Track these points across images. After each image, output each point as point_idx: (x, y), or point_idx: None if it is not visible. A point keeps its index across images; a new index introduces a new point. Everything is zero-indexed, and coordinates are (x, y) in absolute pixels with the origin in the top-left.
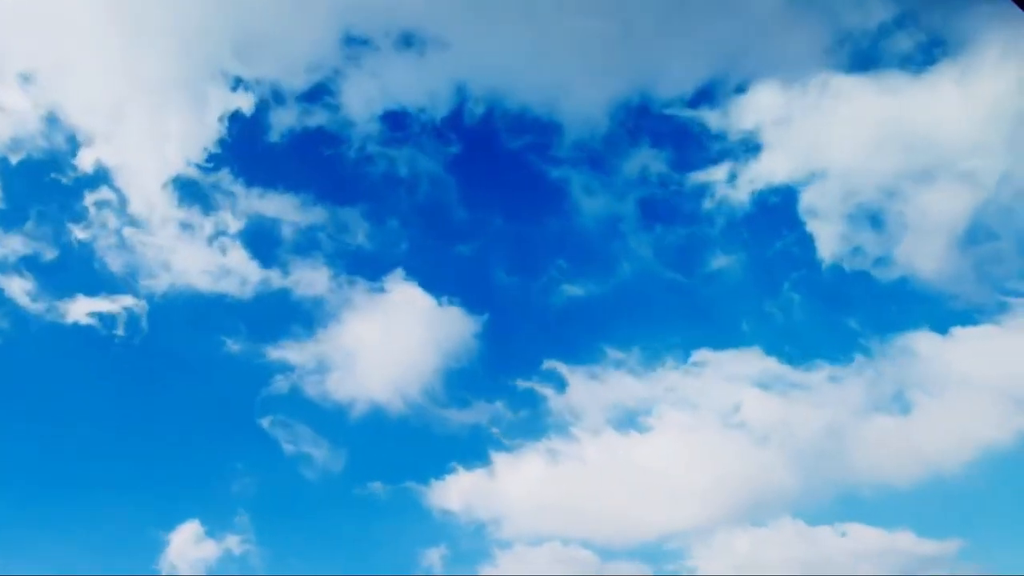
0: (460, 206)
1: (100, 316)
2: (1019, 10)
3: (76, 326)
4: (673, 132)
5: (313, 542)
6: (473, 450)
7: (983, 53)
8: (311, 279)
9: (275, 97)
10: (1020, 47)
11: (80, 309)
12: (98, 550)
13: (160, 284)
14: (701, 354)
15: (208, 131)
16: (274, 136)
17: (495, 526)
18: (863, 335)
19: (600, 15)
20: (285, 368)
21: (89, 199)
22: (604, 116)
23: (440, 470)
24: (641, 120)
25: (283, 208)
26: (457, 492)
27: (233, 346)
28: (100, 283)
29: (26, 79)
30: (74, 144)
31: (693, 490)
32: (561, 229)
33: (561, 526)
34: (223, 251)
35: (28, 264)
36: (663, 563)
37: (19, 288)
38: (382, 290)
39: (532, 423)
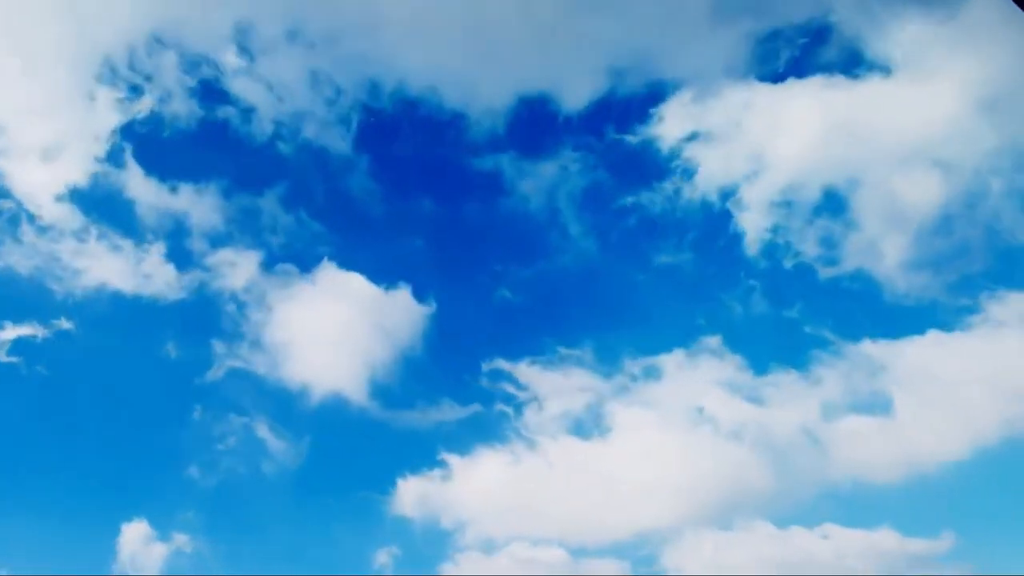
0: (381, 195)
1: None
2: (1019, 10)
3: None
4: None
5: (264, 541)
6: (430, 449)
7: (914, 54)
8: (235, 272)
9: (168, 95)
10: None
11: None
12: (47, 553)
13: (83, 292)
14: (658, 354)
15: (109, 135)
16: (177, 132)
17: (455, 526)
18: (820, 336)
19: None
20: (223, 364)
21: None
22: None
23: (396, 469)
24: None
25: (196, 203)
26: (413, 492)
27: (165, 348)
28: (22, 298)
29: None
30: None
31: (662, 491)
32: (488, 222)
33: (528, 526)
34: (141, 253)
35: None
36: (637, 563)
37: None
38: (314, 280)
39: (491, 422)
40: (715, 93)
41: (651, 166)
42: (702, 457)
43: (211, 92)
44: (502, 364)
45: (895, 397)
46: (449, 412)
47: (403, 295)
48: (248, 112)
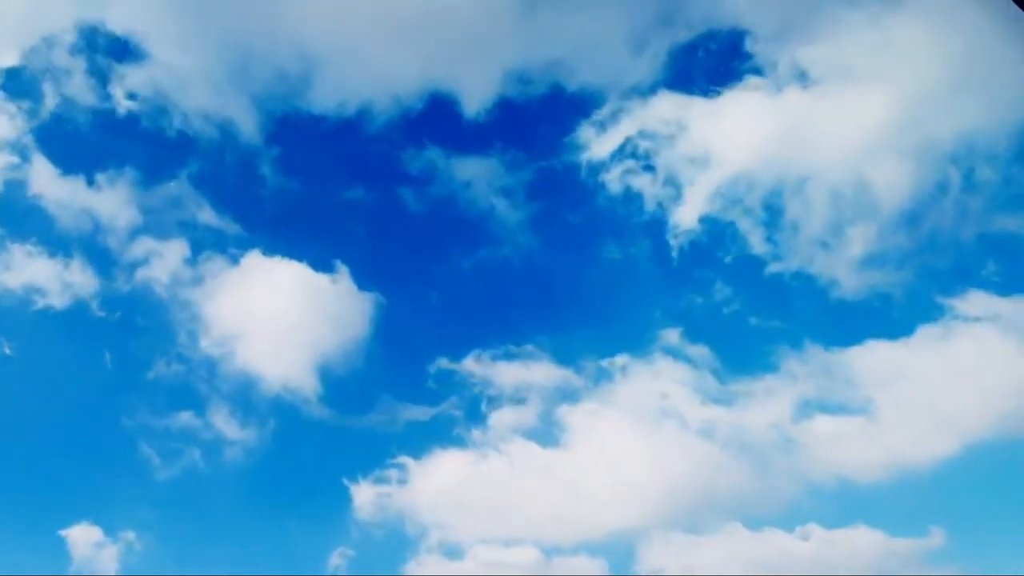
0: (300, 184)
1: None
2: (1019, 10)
3: None
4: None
5: (212, 542)
6: (384, 448)
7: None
8: (160, 265)
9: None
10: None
11: None
12: None
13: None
14: (617, 353)
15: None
16: (85, 127)
17: (415, 528)
18: (783, 336)
19: None
20: (160, 361)
21: None
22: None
23: (348, 469)
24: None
25: (110, 198)
26: (368, 493)
27: (96, 349)
28: None
29: None
30: None
31: (632, 491)
32: (422, 214)
33: (495, 527)
34: (57, 252)
35: None
36: (613, 561)
37: None
38: (243, 270)
39: (449, 421)
40: (643, 100)
41: (584, 170)
42: (670, 457)
43: (116, 85)
44: (457, 360)
45: (866, 397)
46: (403, 410)
47: (344, 283)
48: (157, 104)
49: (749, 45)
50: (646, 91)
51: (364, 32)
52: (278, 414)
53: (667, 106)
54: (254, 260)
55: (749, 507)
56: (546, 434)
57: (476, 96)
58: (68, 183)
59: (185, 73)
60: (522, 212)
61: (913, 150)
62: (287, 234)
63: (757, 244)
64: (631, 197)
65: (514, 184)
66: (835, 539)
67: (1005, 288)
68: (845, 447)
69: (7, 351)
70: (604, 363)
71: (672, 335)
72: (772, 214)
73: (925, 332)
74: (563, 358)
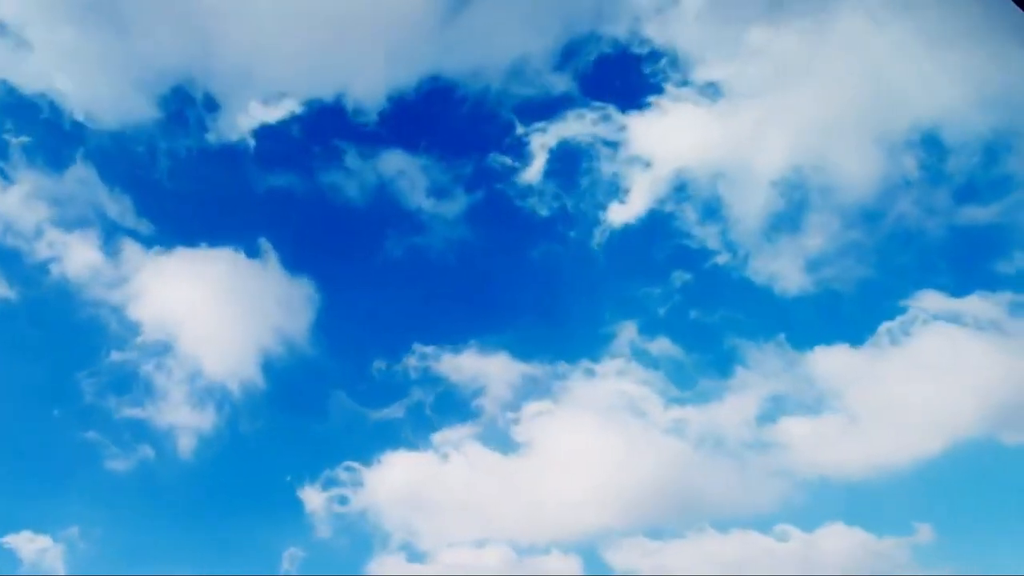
0: (211, 172)
1: None
2: (1019, 10)
3: None
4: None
5: (158, 542)
6: (338, 447)
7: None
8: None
9: None
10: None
11: None
12: None
13: None
14: (576, 352)
15: None
16: None
17: (374, 529)
18: (744, 337)
19: None
20: (93, 359)
21: None
22: None
23: (301, 468)
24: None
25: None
26: (322, 493)
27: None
28: None
29: None
30: None
31: (598, 493)
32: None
33: (461, 528)
34: None
35: None
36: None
37: None
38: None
39: (409, 420)
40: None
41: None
42: (633, 457)
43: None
44: (414, 355)
45: (830, 395)
46: (354, 409)
47: (275, 273)
48: (58, 95)
49: (679, 57)
50: (576, 98)
51: (286, 30)
52: (222, 411)
53: (597, 114)
54: (176, 252)
55: (719, 508)
56: (505, 435)
57: (405, 95)
58: None
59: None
60: (456, 211)
61: (865, 146)
62: (211, 225)
63: (708, 243)
64: (567, 195)
65: (446, 182)
66: (811, 539)
67: (959, 288)
68: (811, 447)
69: None
70: (562, 361)
71: (628, 333)
72: (717, 212)
73: (886, 330)
74: (520, 356)
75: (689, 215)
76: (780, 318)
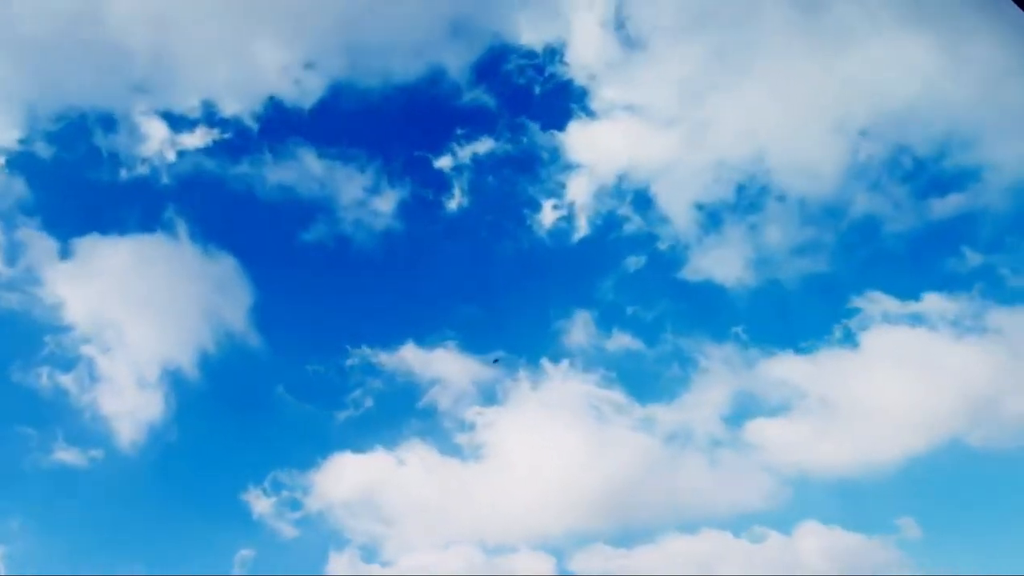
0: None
1: None
2: (1019, 10)
3: None
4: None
5: (108, 542)
6: (295, 446)
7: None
8: None
9: None
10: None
11: None
12: None
13: None
14: (531, 351)
15: None
16: None
17: (331, 531)
18: (694, 339)
19: None
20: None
21: None
22: None
23: (249, 470)
24: None
25: None
26: (275, 495)
27: None
28: None
29: None
30: None
31: (563, 497)
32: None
33: (425, 530)
34: None
35: None
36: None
37: None
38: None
39: (366, 418)
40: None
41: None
42: (601, 459)
43: None
44: (368, 353)
45: (794, 397)
46: (303, 407)
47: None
48: None
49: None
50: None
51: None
52: (164, 405)
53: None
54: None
55: (684, 508)
56: (459, 436)
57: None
58: None
59: None
60: (388, 209)
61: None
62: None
63: (655, 243)
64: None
65: (378, 182)
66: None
67: (914, 287)
68: (774, 446)
69: None
70: (519, 358)
71: (581, 331)
72: (658, 211)
73: (841, 328)
74: (474, 353)
75: (629, 214)
76: (735, 317)
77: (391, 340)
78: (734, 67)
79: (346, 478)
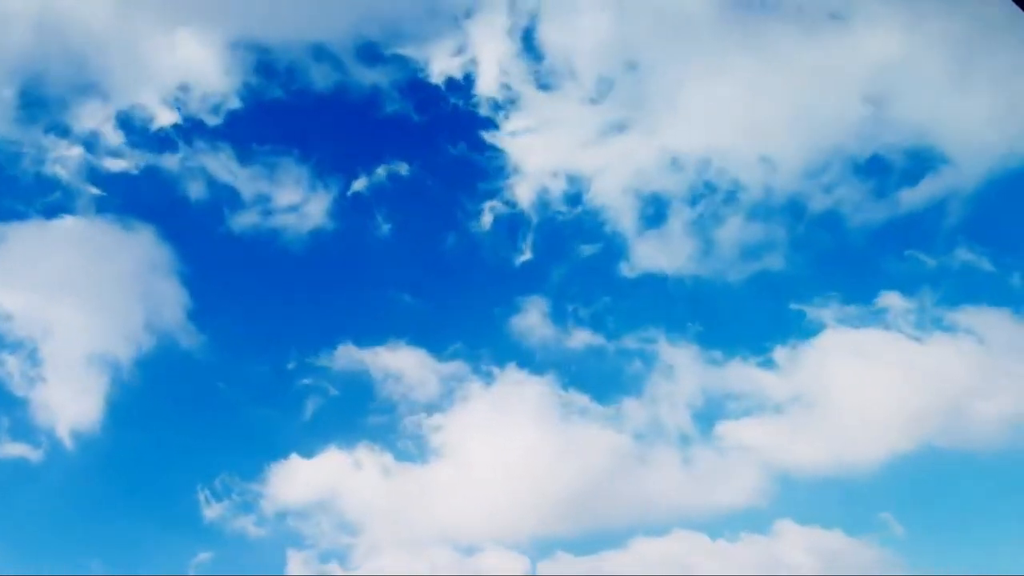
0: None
1: None
2: (1019, 10)
3: None
4: None
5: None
6: (254, 448)
7: None
8: None
9: None
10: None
11: None
12: None
13: None
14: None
15: None
16: None
17: (284, 533)
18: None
19: None
20: None
21: None
22: None
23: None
24: None
25: None
26: (225, 499)
27: None
28: None
29: None
30: None
31: (529, 499)
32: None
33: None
34: None
35: None
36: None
37: None
38: None
39: (320, 419)
40: None
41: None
42: (565, 461)
43: None
44: (313, 353)
45: (759, 398)
46: (251, 408)
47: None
48: None
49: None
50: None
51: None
52: (105, 403)
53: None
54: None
55: (653, 511)
56: (415, 439)
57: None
58: None
59: None
60: (325, 208)
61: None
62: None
63: (601, 242)
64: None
65: (308, 180)
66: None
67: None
68: (743, 446)
69: None
70: (475, 359)
71: (538, 332)
72: (605, 210)
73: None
74: (430, 351)
75: (575, 211)
76: (695, 315)
77: (336, 340)
78: (691, 59)
79: (300, 482)
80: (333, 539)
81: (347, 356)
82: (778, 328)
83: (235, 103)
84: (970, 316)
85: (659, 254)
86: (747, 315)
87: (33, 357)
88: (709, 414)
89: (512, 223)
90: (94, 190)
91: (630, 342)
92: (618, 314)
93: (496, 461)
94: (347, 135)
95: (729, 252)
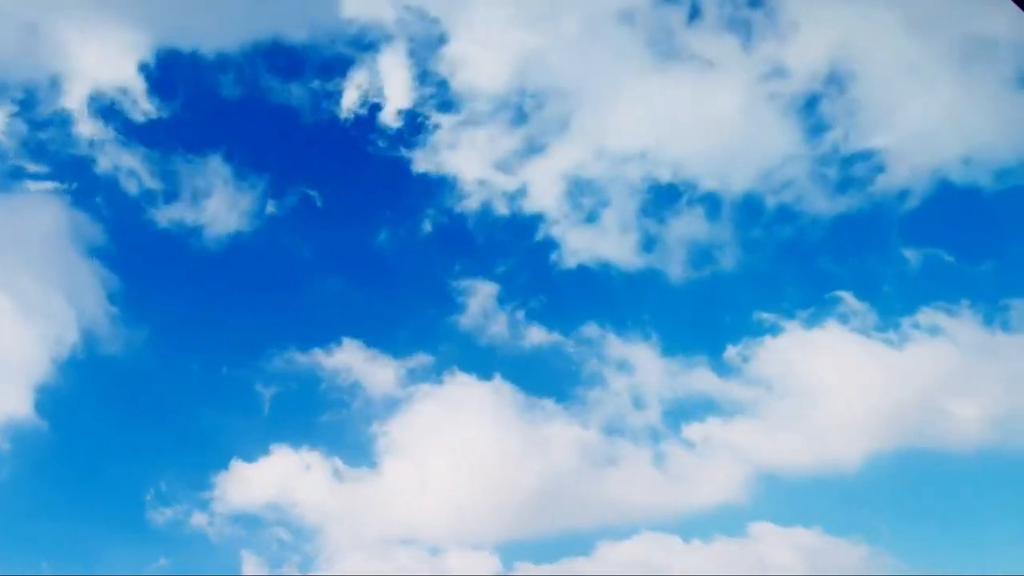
0: None
1: None
2: (1019, 10)
3: None
4: None
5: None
6: (201, 451)
7: None
8: None
9: None
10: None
11: None
12: None
13: None
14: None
15: None
16: None
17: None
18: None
19: None
20: None
21: None
22: None
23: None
24: None
25: None
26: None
27: None
28: None
29: None
30: None
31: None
32: None
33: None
34: None
35: None
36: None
37: None
38: None
39: (274, 420)
40: None
41: None
42: (527, 461)
43: None
44: (259, 355)
45: (722, 398)
46: (209, 410)
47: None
48: None
49: None
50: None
51: None
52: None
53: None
54: None
55: (615, 513)
56: (366, 442)
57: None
58: None
59: None
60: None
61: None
62: None
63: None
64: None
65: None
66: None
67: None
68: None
69: None
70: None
71: (490, 331)
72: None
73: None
74: (385, 352)
75: (518, 208)
76: (653, 314)
77: (282, 341)
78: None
79: (248, 486)
80: (289, 543)
81: (288, 359)
82: (733, 328)
83: (157, 106)
84: (930, 316)
85: (596, 247)
86: (711, 315)
87: None
88: (674, 412)
89: (450, 223)
90: None
91: (587, 338)
92: (569, 311)
93: (450, 463)
94: (267, 140)
95: (679, 251)
